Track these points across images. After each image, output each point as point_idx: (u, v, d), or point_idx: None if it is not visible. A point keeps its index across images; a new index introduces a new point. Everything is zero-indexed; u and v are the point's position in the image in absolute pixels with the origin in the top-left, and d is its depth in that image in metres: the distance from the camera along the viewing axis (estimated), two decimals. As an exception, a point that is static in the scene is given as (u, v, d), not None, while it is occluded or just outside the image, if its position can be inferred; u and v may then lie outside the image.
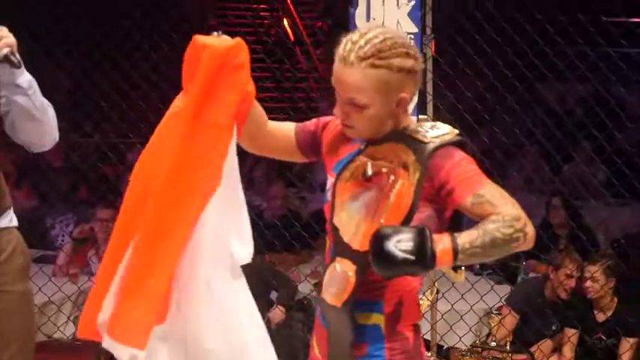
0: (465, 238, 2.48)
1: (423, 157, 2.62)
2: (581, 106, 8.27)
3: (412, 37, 4.43)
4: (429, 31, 4.64)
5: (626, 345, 5.86)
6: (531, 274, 7.17)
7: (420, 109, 4.60)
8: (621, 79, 6.62)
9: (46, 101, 3.49)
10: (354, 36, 2.63)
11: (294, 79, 12.04)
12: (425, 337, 5.37)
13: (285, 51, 10.88)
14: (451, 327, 5.69)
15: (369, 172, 2.67)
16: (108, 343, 2.69)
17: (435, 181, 2.61)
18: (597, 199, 7.90)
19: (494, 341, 5.23)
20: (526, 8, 5.76)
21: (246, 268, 2.77)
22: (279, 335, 6.24)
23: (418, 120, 4.51)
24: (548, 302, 6.31)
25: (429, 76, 4.75)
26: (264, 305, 6.42)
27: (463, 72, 5.79)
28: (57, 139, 3.60)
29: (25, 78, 3.38)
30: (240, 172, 2.75)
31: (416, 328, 2.76)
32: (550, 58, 5.75)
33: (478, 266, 7.10)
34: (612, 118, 6.26)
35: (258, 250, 2.85)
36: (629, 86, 7.32)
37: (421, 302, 2.85)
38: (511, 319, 6.07)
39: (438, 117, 4.82)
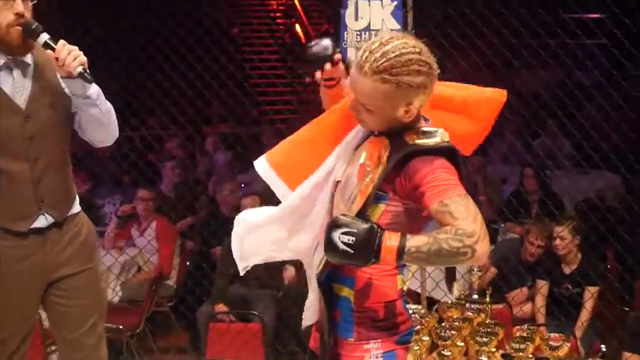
0: (414, 241, 2.29)
1: (394, 156, 2.41)
2: (547, 90, 8.11)
3: (394, 33, 4.30)
4: (409, 27, 4.48)
5: (589, 293, 5.75)
6: (509, 235, 7.04)
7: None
8: (579, 66, 6.50)
9: (109, 105, 3.33)
10: (373, 45, 2.41)
11: (303, 76, 11.86)
12: (416, 291, 5.33)
13: (297, 52, 10.78)
14: (437, 284, 5.62)
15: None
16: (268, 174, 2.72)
17: (411, 182, 2.39)
18: (563, 169, 7.80)
19: (475, 294, 5.06)
20: (494, 6, 5.60)
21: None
22: (290, 290, 6.09)
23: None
24: (522, 261, 6.26)
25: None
26: (278, 264, 6.29)
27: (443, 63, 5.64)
28: (117, 136, 3.45)
29: (94, 89, 3.22)
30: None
31: (388, 304, 2.53)
32: (518, 50, 5.57)
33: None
34: (573, 99, 6.16)
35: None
36: (585, 71, 7.20)
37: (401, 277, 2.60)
38: (490, 275, 6.10)
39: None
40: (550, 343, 4.34)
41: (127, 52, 7.51)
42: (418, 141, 2.42)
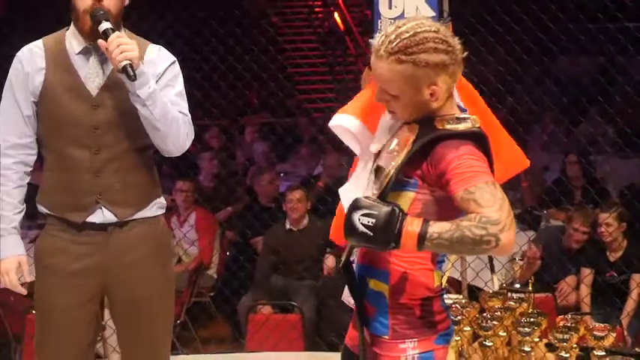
0: (436, 227, 2.21)
1: (421, 139, 2.35)
2: (587, 75, 7.99)
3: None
4: (445, 14, 4.38)
5: (635, 281, 5.64)
6: (552, 222, 6.88)
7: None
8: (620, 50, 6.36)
9: (173, 113, 3.14)
10: (389, 29, 2.37)
11: (345, 64, 11.84)
12: (458, 279, 5.26)
13: (336, 39, 10.70)
14: (477, 273, 5.51)
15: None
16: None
17: (437, 169, 2.31)
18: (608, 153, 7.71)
19: (518, 283, 4.96)
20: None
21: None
22: (330, 280, 6.05)
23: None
24: (564, 249, 6.12)
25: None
26: (318, 253, 6.30)
27: (481, 50, 5.55)
28: (185, 147, 3.26)
29: (145, 90, 3.05)
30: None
31: (424, 302, 2.45)
32: (556, 35, 5.45)
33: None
34: (614, 84, 6.04)
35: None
36: (627, 55, 7.05)
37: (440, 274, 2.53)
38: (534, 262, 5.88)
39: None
40: (595, 333, 4.23)
41: (166, 45, 7.48)
42: (448, 126, 2.37)
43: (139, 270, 3.24)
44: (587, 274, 5.80)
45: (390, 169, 2.38)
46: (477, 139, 2.36)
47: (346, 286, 2.71)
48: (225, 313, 6.82)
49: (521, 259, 5.10)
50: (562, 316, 4.48)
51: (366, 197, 2.30)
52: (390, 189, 2.36)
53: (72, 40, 3.17)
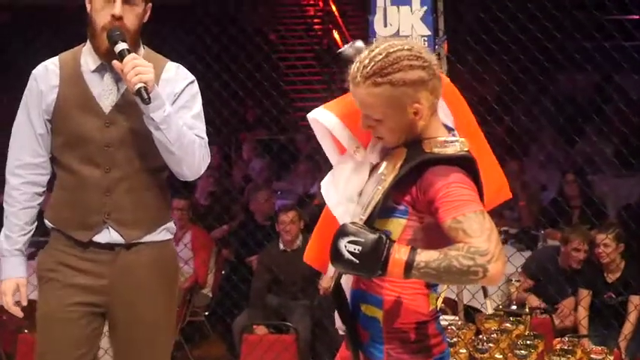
0: (424, 256, 2.17)
1: (408, 163, 2.31)
2: (584, 94, 7.95)
3: (425, 39, 4.18)
4: (440, 33, 4.33)
5: (633, 303, 5.55)
6: (549, 242, 6.81)
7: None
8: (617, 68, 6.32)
9: (188, 137, 3.03)
10: (363, 55, 2.34)
11: (342, 81, 11.78)
12: (454, 299, 5.18)
13: (334, 57, 10.66)
14: (473, 295, 5.36)
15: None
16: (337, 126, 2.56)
17: (427, 196, 2.27)
18: (605, 172, 7.68)
19: (515, 305, 4.91)
20: (528, 9, 5.43)
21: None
22: (325, 300, 5.98)
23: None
24: (561, 270, 6.03)
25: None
26: (314, 273, 6.18)
27: (477, 69, 5.50)
28: (201, 171, 3.16)
29: (159, 113, 2.95)
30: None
31: (419, 326, 2.40)
32: (553, 53, 5.40)
33: (502, 236, 6.87)
34: (611, 103, 5.99)
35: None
36: (623, 74, 7.02)
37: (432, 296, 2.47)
38: (526, 285, 5.88)
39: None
40: (592, 356, 4.19)
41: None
42: (435, 149, 2.32)
43: (145, 293, 3.16)
44: (584, 295, 5.71)
45: (377, 194, 2.33)
46: (466, 163, 2.32)
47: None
48: (221, 331, 6.75)
49: (518, 281, 5.04)
50: (559, 339, 4.43)
51: (353, 223, 2.26)
52: (377, 215, 2.32)
53: (87, 57, 3.11)
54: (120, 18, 2.97)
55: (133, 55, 2.95)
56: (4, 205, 3.19)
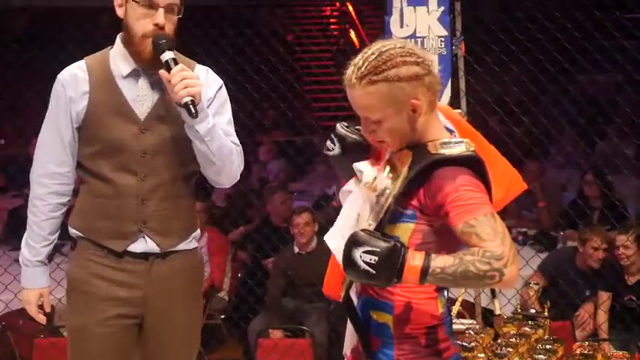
0: (439, 262, 2.15)
1: (416, 166, 2.28)
2: (605, 94, 7.86)
3: (442, 40, 4.12)
4: (458, 34, 4.27)
5: (655, 306, 5.47)
6: (569, 243, 6.69)
7: (454, 104, 4.26)
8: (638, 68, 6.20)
9: (228, 147, 3.01)
10: (356, 59, 2.34)
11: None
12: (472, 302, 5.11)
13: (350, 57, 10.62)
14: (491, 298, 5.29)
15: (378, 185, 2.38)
16: None
17: (435, 201, 2.25)
18: (625, 173, 7.59)
19: (534, 308, 4.83)
20: (547, 9, 5.35)
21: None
22: (338, 306, 5.92)
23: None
24: (578, 271, 5.93)
25: (461, 73, 4.38)
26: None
27: (495, 70, 5.42)
28: (237, 178, 3.15)
29: (204, 125, 2.93)
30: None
31: (430, 331, 2.38)
32: (573, 54, 5.30)
33: (521, 237, 6.81)
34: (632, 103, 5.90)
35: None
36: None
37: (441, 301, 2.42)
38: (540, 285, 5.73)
39: (471, 111, 4.44)
40: (613, 360, 4.11)
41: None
42: (442, 150, 2.30)
43: (178, 301, 3.14)
44: (604, 298, 5.63)
45: (386, 198, 2.31)
46: (473, 163, 2.29)
47: (347, 337, 2.60)
48: (238, 334, 6.70)
49: (536, 284, 4.95)
50: (579, 343, 4.35)
51: (364, 230, 2.22)
52: (387, 220, 2.29)
53: (118, 61, 3.04)
54: (162, 27, 2.93)
55: (181, 65, 2.90)
56: (28, 214, 3.15)
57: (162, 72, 2.90)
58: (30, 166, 3.17)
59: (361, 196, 2.45)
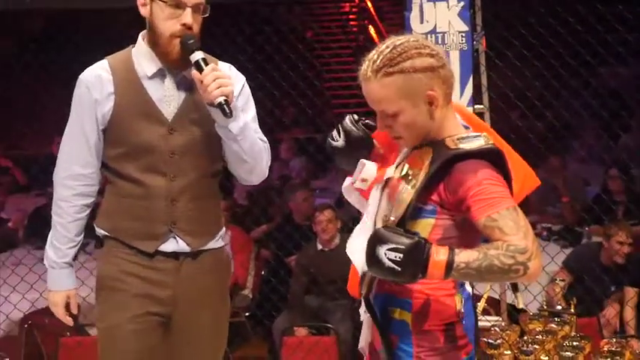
0: (463, 257, 2.16)
1: (437, 160, 2.28)
2: (627, 87, 7.78)
3: (463, 35, 4.09)
4: (478, 29, 4.22)
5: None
6: (594, 238, 6.64)
7: (476, 99, 4.21)
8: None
9: (259, 144, 3.03)
10: (371, 54, 2.35)
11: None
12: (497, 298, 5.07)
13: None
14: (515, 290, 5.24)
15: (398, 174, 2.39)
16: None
17: (457, 195, 2.25)
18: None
19: (560, 305, 4.77)
20: (567, 2, 5.31)
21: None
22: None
23: (474, 111, 4.13)
24: (603, 266, 5.88)
25: (482, 69, 4.33)
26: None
27: (516, 65, 5.37)
28: (266, 175, 3.14)
29: (237, 124, 2.91)
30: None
31: (448, 327, 2.37)
32: (594, 47, 5.24)
33: (545, 233, 6.76)
34: None
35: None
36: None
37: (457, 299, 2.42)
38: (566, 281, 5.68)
39: (493, 106, 4.39)
40: (642, 357, 4.06)
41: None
42: (461, 145, 2.30)
43: (207, 299, 3.12)
44: (631, 294, 5.59)
45: (408, 193, 2.30)
46: (494, 156, 2.30)
47: (362, 332, 2.61)
48: (262, 332, 6.69)
49: (562, 280, 4.90)
50: (606, 340, 4.30)
51: (386, 227, 2.22)
52: (410, 212, 2.29)
53: (142, 61, 3.01)
54: (190, 27, 2.90)
55: (212, 66, 2.88)
56: (53, 215, 3.13)
57: (195, 73, 2.88)
58: (52, 165, 3.15)
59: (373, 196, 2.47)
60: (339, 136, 2.61)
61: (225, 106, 2.82)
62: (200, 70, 2.86)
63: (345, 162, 2.63)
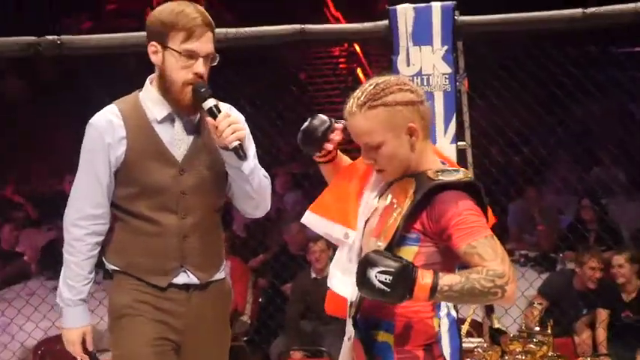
0: (446, 280, 2.23)
1: (421, 190, 2.34)
2: (599, 123, 7.86)
3: (447, 77, 4.14)
4: (461, 71, 4.27)
5: (651, 321, 5.48)
6: (568, 264, 6.70)
7: (459, 136, 4.25)
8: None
9: (264, 181, 3.05)
10: (355, 92, 2.46)
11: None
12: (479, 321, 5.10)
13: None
14: (499, 319, 5.27)
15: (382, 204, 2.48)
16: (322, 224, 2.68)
17: (439, 225, 2.32)
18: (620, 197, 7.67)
19: (537, 327, 4.80)
20: (545, 48, 5.38)
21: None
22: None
23: (457, 147, 4.18)
24: (576, 292, 5.97)
25: (465, 109, 4.37)
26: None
27: (496, 104, 5.44)
28: (268, 208, 3.15)
29: (248, 165, 2.94)
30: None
31: (427, 348, 2.42)
32: (568, 87, 5.30)
33: (522, 259, 6.83)
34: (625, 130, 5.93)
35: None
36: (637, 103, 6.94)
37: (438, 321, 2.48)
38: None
39: (475, 142, 4.43)
40: (614, 375, 4.09)
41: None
42: (441, 177, 2.37)
43: (212, 326, 3.11)
44: (604, 316, 5.65)
45: (395, 220, 2.36)
46: (472, 189, 2.37)
47: (342, 354, 2.64)
48: (260, 355, 6.69)
49: (540, 304, 4.94)
50: (581, 359, 4.33)
51: (375, 251, 2.28)
52: (396, 242, 2.35)
53: (151, 106, 3.00)
54: (202, 76, 2.92)
55: (225, 112, 2.90)
56: (65, 254, 3.09)
57: (209, 119, 2.89)
58: (62, 200, 3.15)
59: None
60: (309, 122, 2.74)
61: (240, 150, 2.85)
62: (214, 116, 2.87)
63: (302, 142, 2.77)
